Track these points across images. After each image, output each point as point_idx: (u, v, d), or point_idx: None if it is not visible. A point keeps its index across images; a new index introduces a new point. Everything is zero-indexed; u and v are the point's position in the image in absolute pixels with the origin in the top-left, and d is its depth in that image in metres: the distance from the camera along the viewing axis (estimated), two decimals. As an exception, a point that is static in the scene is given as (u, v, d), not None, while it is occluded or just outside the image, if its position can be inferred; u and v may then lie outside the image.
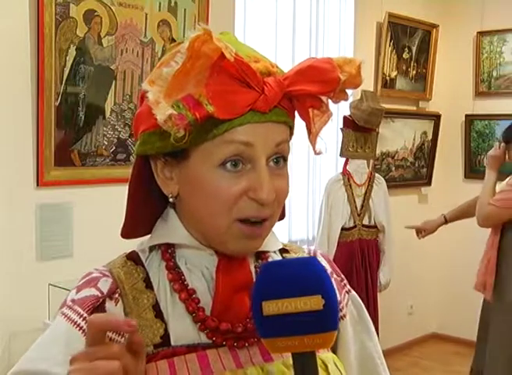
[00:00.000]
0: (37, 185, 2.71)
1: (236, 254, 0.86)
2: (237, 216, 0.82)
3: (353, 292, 1.02)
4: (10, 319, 2.62)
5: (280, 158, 0.84)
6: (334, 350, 0.94)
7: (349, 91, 0.86)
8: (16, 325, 2.63)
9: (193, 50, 0.74)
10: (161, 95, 0.76)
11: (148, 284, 0.87)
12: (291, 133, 0.87)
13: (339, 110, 3.96)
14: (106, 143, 2.93)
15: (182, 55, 0.75)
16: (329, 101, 0.86)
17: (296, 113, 0.87)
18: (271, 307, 0.72)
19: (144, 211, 0.91)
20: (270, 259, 0.93)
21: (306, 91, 0.82)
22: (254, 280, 0.88)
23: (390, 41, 4.58)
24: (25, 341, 2.62)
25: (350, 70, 0.83)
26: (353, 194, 3.66)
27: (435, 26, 4.90)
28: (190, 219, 0.87)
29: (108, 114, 2.92)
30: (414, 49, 4.81)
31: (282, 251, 0.97)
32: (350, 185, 3.66)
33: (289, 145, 0.86)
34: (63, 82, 2.73)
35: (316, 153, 0.90)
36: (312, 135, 0.88)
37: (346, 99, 0.86)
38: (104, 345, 0.67)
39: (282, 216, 0.93)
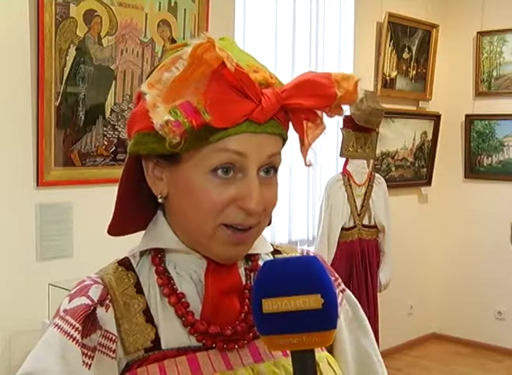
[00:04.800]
0: (37, 185, 2.71)
1: (221, 260, 0.86)
2: (222, 221, 0.82)
3: (348, 291, 1.02)
4: (10, 319, 2.62)
5: (271, 168, 0.85)
6: (329, 349, 0.95)
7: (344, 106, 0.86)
8: (16, 325, 2.63)
9: (195, 57, 0.75)
10: (159, 99, 0.76)
11: (139, 289, 0.87)
12: (283, 144, 0.87)
13: (339, 110, 3.95)
14: (106, 143, 2.93)
15: (183, 62, 0.75)
16: (324, 115, 0.86)
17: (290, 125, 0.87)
18: (270, 305, 0.72)
19: (132, 209, 0.92)
20: (260, 262, 0.93)
21: (302, 105, 0.82)
22: (244, 282, 0.89)
23: (390, 41, 4.58)
24: (25, 341, 2.62)
25: (348, 87, 0.83)
26: (353, 194, 3.66)
27: (435, 26, 4.90)
28: (177, 221, 0.88)
29: (108, 114, 2.92)
30: (414, 49, 4.81)
31: (274, 252, 0.98)
32: (350, 185, 3.66)
33: (281, 157, 0.86)
34: (63, 82, 2.74)
35: (307, 165, 0.90)
36: (304, 147, 0.89)
37: (341, 114, 0.87)
38: None
39: (268, 223, 0.93)
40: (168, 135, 0.76)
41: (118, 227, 0.94)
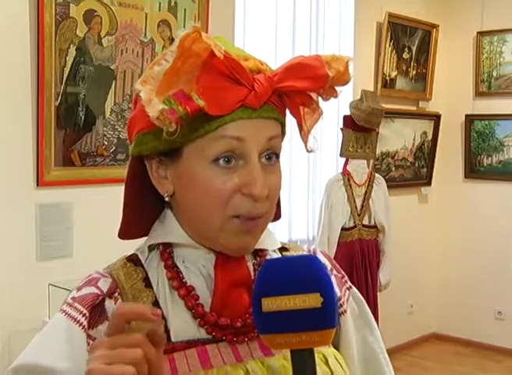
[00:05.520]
0: (37, 185, 2.71)
1: (231, 252, 0.87)
2: (232, 213, 0.83)
3: (354, 288, 1.02)
4: (10, 318, 2.62)
5: (272, 154, 0.85)
6: (336, 345, 0.95)
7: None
8: (16, 325, 2.63)
9: (183, 49, 0.76)
10: (154, 94, 0.77)
11: (147, 283, 0.88)
12: (283, 131, 0.88)
13: (339, 110, 3.96)
14: (106, 143, 2.93)
15: (172, 54, 0.76)
16: (320, 99, 0.87)
17: (287, 111, 0.88)
18: (270, 303, 0.73)
19: (140, 211, 0.93)
20: (268, 257, 0.94)
21: (295, 87, 0.83)
22: (252, 277, 0.89)
23: (390, 41, 4.58)
24: (25, 341, 2.61)
25: (338, 67, 0.84)
26: (353, 194, 3.66)
27: (435, 26, 4.90)
28: (185, 218, 0.88)
29: (108, 114, 2.92)
30: (414, 49, 4.81)
31: (282, 249, 0.98)
32: (350, 185, 3.66)
33: (281, 142, 0.87)
34: (63, 82, 2.74)
35: (308, 151, 0.91)
36: (304, 133, 0.89)
37: (335, 96, 0.88)
38: (126, 334, 0.68)
39: (278, 216, 0.94)
40: (164, 124, 0.76)
41: (127, 230, 0.94)
